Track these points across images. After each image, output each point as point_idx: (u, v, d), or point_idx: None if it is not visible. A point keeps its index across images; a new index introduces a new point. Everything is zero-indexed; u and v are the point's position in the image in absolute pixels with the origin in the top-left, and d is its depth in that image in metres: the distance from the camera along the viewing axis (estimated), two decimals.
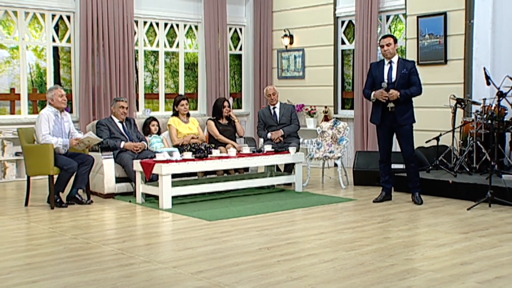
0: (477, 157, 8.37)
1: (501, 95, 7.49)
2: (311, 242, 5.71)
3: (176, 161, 7.54)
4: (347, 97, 11.35)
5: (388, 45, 7.42)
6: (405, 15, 10.04)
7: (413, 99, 7.54)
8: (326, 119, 10.97)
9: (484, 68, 8.05)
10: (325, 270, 4.81)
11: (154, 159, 7.59)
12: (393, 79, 7.40)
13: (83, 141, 7.63)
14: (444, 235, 6.03)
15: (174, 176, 7.81)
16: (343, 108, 11.37)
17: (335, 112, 11.21)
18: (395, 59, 7.48)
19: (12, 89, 11.09)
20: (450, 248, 5.52)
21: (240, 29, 12.56)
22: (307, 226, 6.50)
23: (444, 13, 9.46)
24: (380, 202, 7.65)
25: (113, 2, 10.54)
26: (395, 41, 7.56)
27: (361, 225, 6.48)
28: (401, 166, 8.66)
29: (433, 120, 9.39)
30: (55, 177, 7.53)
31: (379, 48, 8.11)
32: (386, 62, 7.51)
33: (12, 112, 10.79)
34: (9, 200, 8.18)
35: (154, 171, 7.40)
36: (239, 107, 12.77)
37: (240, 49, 12.63)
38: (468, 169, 8.39)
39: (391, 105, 7.32)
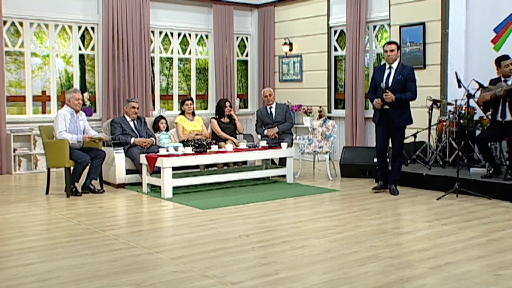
0: (450, 152, 8.10)
1: (469, 96, 7.18)
2: (287, 230, 5.47)
3: (177, 155, 7.36)
4: (339, 98, 11.06)
5: (391, 51, 7.14)
6: (389, 25, 9.75)
7: None
8: (320, 117, 10.69)
9: (456, 73, 7.72)
10: (293, 256, 4.58)
11: (158, 153, 7.41)
12: (390, 84, 7.13)
13: (94, 138, 7.52)
14: (410, 223, 5.79)
15: (177, 168, 7.64)
16: (336, 108, 11.09)
17: (329, 112, 10.95)
18: (395, 65, 7.17)
19: (44, 92, 11.02)
20: (412, 235, 5.28)
21: (246, 38, 12.33)
22: (288, 215, 6.26)
23: (423, 23, 9.16)
24: (379, 190, 7.42)
25: (132, 15, 10.40)
26: (398, 47, 7.30)
27: (337, 214, 6.23)
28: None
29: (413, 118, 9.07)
30: (72, 169, 7.40)
31: (382, 52, 7.73)
32: (387, 66, 7.23)
33: (44, 111, 10.74)
34: (35, 189, 8.07)
35: (157, 164, 7.23)
36: (246, 106, 12.55)
37: (246, 55, 12.40)
38: (441, 163, 8.11)
39: (386, 107, 7.12)
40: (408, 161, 8.38)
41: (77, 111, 7.61)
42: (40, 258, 4.61)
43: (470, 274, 4.09)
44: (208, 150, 7.72)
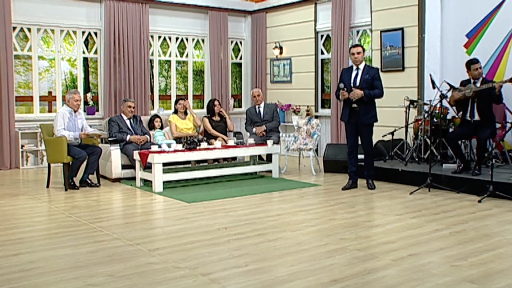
0: (425, 149, 7.97)
1: (442, 97, 7.05)
2: (265, 223, 5.34)
3: (168, 152, 7.26)
4: (325, 98, 10.92)
5: (358, 53, 6.95)
6: (371, 30, 9.60)
7: (376, 100, 7.12)
8: (308, 116, 10.56)
9: (430, 75, 7.62)
10: (265, 249, 4.45)
11: (149, 150, 7.31)
12: (358, 83, 6.95)
13: (89, 134, 7.42)
14: (381, 216, 5.65)
15: (169, 164, 7.54)
16: (322, 107, 10.96)
17: (316, 111, 10.82)
18: (361, 66, 6.99)
19: (50, 92, 10.90)
20: (382, 228, 5.15)
21: (241, 42, 12.20)
22: (268, 209, 6.09)
23: (402, 29, 9.01)
24: (348, 190, 7.12)
25: (132, 21, 10.29)
26: (364, 50, 7.11)
27: (314, 208, 6.10)
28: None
29: (392, 117, 8.94)
30: (70, 164, 7.31)
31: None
32: (354, 68, 7.05)
33: (50, 110, 10.62)
34: (37, 182, 7.99)
35: (148, 160, 7.12)
36: (240, 106, 12.42)
37: (240, 58, 12.26)
38: (417, 160, 7.97)
39: (354, 105, 6.93)
40: (387, 158, 8.26)
41: (75, 111, 7.51)
42: (27, 249, 4.51)
43: (429, 265, 3.97)
44: (197, 147, 7.62)
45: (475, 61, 6.97)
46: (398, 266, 3.96)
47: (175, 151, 7.32)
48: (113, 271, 3.91)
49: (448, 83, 7.08)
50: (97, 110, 10.35)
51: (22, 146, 9.48)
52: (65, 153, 7.20)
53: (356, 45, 7.11)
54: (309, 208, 6.09)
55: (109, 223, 5.41)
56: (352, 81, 6.96)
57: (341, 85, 6.93)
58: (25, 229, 5.22)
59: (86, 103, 10.22)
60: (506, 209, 5.88)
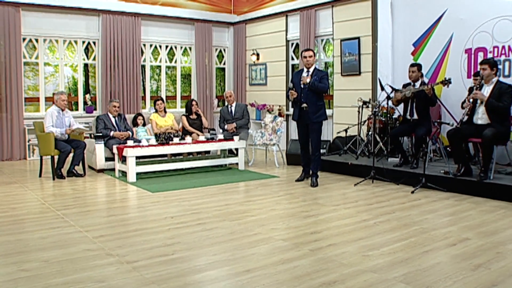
0: (375, 144, 7.55)
1: (388, 98, 6.66)
2: (210, 213, 4.96)
3: (142, 146, 6.92)
4: None
5: (310, 56, 6.35)
6: (333, 39, 9.18)
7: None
8: (280, 114, 10.21)
9: (378, 79, 7.25)
10: (198, 237, 4.09)
11: (125, 144, 6.98)
12: (305, 85, 6.38)
13: (74, 130, 7.10)
14: (319, 207, 5.23)
15: (147, 157, 7.21)
16: (291, 107, 10.52)
17: (287, 110, 10.41)
18: (311, 69, 6.39)
19: (54, 94, 10.59)
20: (314, 218, 4.73)
21: (224, 50, 11.78)
22: (220, 198, 5.66)
23: (358, 38, 8.60)
24: (301, 181, 6.66)
25: (126, 32, 9.95)
26: (314, 54, 6.51)
27: (262, 198, 5.68)
28: (322, 150, 7.93)
29: (349, 116, 8.57)
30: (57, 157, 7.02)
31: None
32: (305, 70, 6.46)
33: None
34: (34, 172, 7.69)
35: (123, 154, 6.79)
36: (224, 105, 12.01)
37: (224, 64, 11.85)
38: (367, 154, 7.58)
39: (304, 105, 6.39)
40: (342, 152, 7.88)
41: (63, 110, 7.20)
42: None
43: (342, 255, 3.61)
44: (170, 142, 7.27)
45: (412, 64, 6.62)
46: (314, 256, 3.61)
47: (149, 145, 6.98)
48: (50, 257, 3.59)
49: (390, 86, 6.70)
50: (95, 109, 10.03)
51: (29, 140, 9.21)
52: (53, 146, 6.91)
53: (308, 49, 6.51)
54: (257, 198, 5.69)
55: (73, 211, 5.07)
56: (302, 82, 6.40)
57: (290, 85, 6.43)
58: None
59: (85, 103, 9.92)
60: (433, 199, 5.50)
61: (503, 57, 6.57)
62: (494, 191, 5.41)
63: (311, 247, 3.80)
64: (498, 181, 5.50)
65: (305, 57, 6.43)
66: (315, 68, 6.50)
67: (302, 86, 6.38)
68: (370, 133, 7.57)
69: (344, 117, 8.74)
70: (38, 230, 4.32)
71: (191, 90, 11.30)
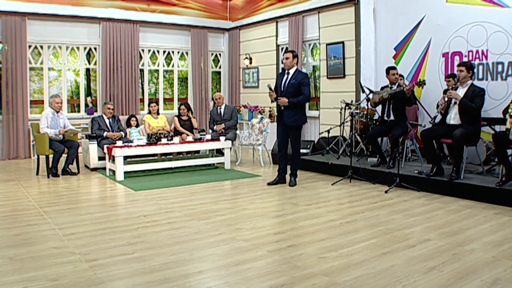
0: (356, 145, 7.33)
1: (368, 100, 6.42)
2: (182, 211, 4.72)
3: (130, 146, 6.75)
4: None
5: (287, 58, 5.88)
6: (319, 43, 8.94)
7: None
8: (270, 116, 9.99)
9: (360, 81, 7.00)
10: (163, 236, 3.88)
11: (115, 145, 6.81)
12: (286, 87, 5.93)
13: (67, 131, 6.95)
14: (291, 207, 4.97)
15: (137, 156, 7.03)
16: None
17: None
18: (292, 71, 5.89)
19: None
20: (282, 218, 4.47)
21: (220, 54, 11.59)
22: (198, 197, 5.39)
23: (342, 42, 8.35)
24: (274, 185, 6.10)
25: (125, 38, 9.80)
26: (294, 56, 5.90)
27: (238, 198, 5.39)
28: (306, 150, 7.71)
29: (334, 117, 8.32)
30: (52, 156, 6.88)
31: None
32: (286, 72, 5.96)
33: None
34: (32, 171, 7.55)
35: (112, 153, 6.62)
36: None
37: (220, 67, 11.65)
38: (348, 154, 7.34)
39: (283, 108, 6.03)
40: (324, 152, 7.64)
41: (57, 111, 7.06)
42: None
43: (299, 257, 3.38)
44: (157, 142, 7.09)
45: (393, 67, 6.36)
46: (270, 257, 3.38)
47: (138, 146, 6.80)
48: (15, 254, 3.43)
49: (368, 88, 6.45)
50: (96, 111, 9.90)
51: (33, 140, 9.09)
52: (47, 146, 6.78)
53: (287, 51, 6.07)
54: (233, 197, 5.43)
55: (54, 208, 4.91)
56: (282, 84, 6.06)
57: (268, 86, 6.07)
58: None
59: (86, 105, 9.80)
60: (405, 198, 5.25)
61: (477, 61, 6.30)
62: (464, 191, 5.16)
63: (270, 248, 3.58)
64: (467, 181, 5.24)
65: (283, 59, 6.07)
66: (296, 69, 6.03)
67: (282, 89, 6.08)
68: (350, 134, 7.32)
69: (329, 118, 8.50)
70: (15, 227, 4.16)
71: (188, 93, 11.11)
